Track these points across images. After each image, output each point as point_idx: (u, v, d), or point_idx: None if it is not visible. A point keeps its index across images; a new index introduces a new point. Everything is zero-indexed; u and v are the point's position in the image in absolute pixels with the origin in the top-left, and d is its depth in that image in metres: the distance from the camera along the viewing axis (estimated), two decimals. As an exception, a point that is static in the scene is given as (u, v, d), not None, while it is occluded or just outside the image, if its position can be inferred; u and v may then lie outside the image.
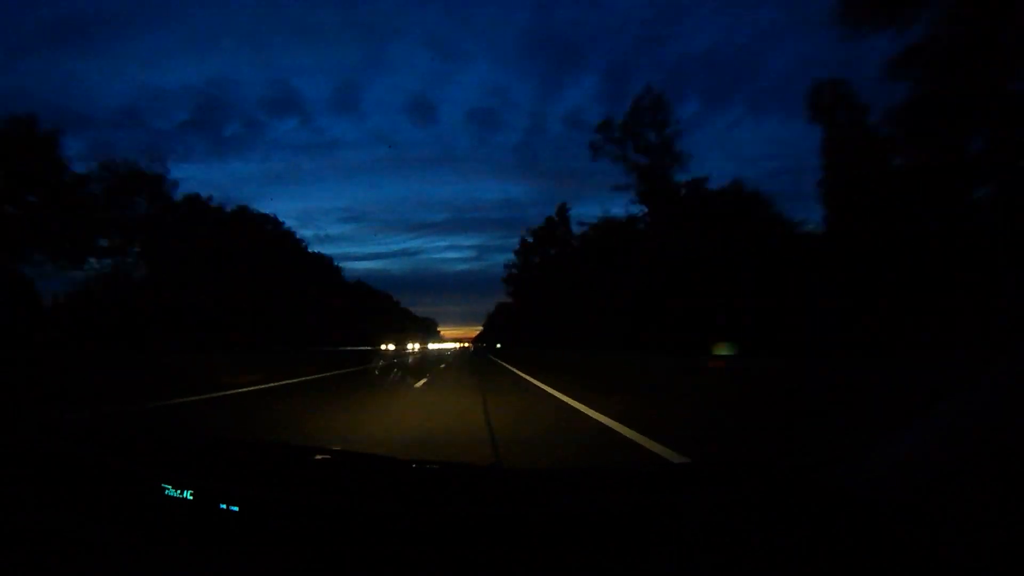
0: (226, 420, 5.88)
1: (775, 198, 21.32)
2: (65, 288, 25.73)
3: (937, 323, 11.37)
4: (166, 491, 1.06)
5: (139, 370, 12.92)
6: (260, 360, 17.62)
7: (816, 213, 18.19)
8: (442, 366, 19.34)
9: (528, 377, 12.26)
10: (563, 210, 41.00)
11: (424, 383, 10.76)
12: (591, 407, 6.44)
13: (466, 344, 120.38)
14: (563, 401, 7.45)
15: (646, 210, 24.91)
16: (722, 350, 15.74)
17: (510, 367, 17.66)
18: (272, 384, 10.22)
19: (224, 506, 1.02)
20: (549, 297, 36.03)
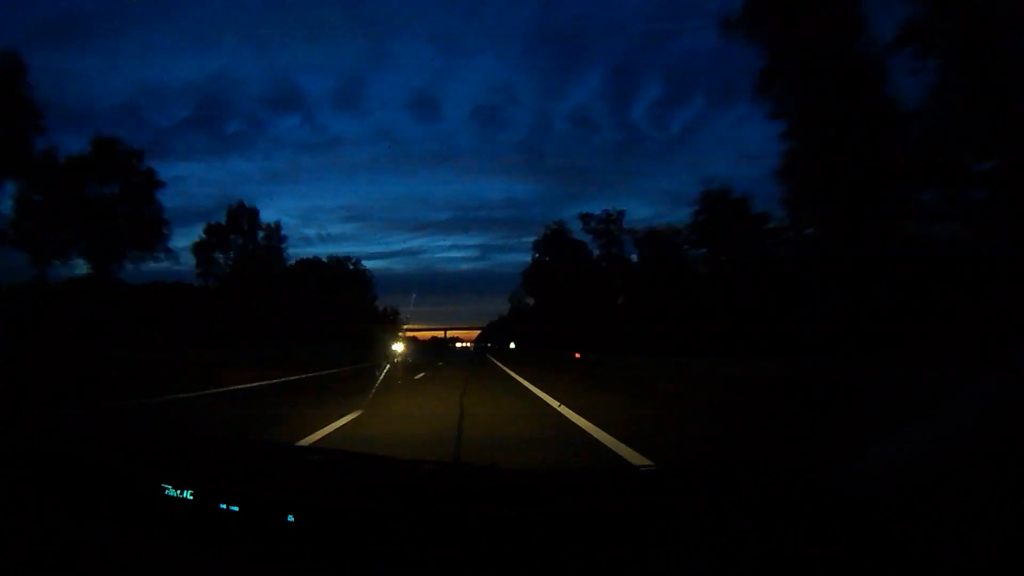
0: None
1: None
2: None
3: (935, 324, 11.36)
4: (166, 491, 1.07)
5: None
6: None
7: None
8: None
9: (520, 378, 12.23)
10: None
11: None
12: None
13: (467, 344, 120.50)
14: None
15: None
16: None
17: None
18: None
19: (224, 506, 1.02)
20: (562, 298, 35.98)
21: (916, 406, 0.96)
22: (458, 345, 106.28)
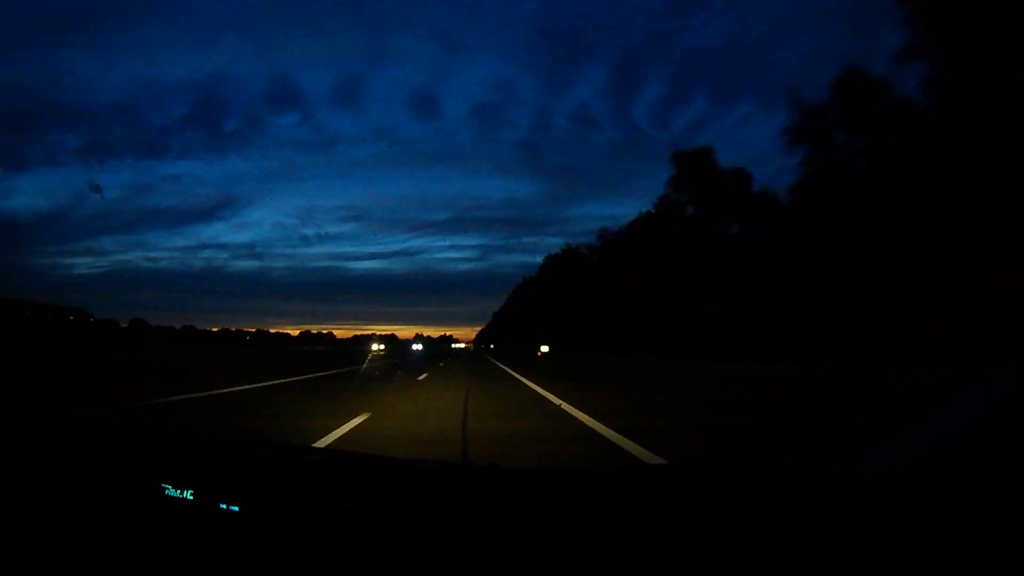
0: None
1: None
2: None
3: (936, 325, 11.37)
4: (166, 491, 1.07)
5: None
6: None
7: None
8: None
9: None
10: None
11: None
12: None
13: (467, 344, 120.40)
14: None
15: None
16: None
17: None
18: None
19: (224, 506, 1.02)
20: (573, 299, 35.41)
21: (916, 406, 0.96)
22: (454, 346, 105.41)
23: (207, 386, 9.88)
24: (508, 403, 7.91)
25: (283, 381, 11.94)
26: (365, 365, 19.29)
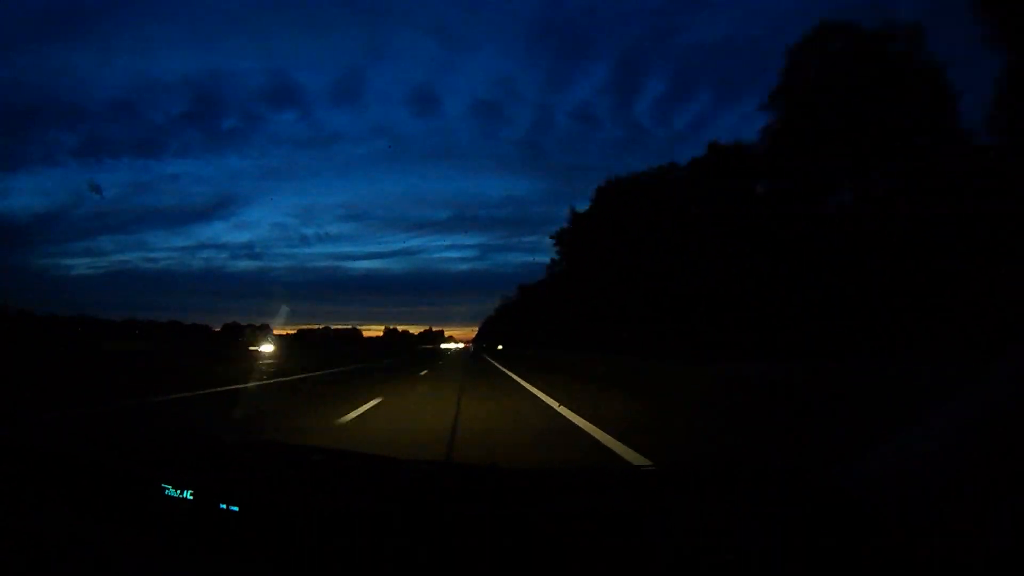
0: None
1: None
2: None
3: (936, 324, 11.38)
4: (166, 491, 1.06)
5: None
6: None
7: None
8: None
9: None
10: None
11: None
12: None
13: (466, 344, 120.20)
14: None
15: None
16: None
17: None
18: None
19: (224, 506, 1.02)
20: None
21: (916, 406, 0.96)
22: (444, 346, 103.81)
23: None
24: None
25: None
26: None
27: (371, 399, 7.62)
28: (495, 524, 0.96)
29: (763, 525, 0.94)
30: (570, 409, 6.53)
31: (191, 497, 1.05)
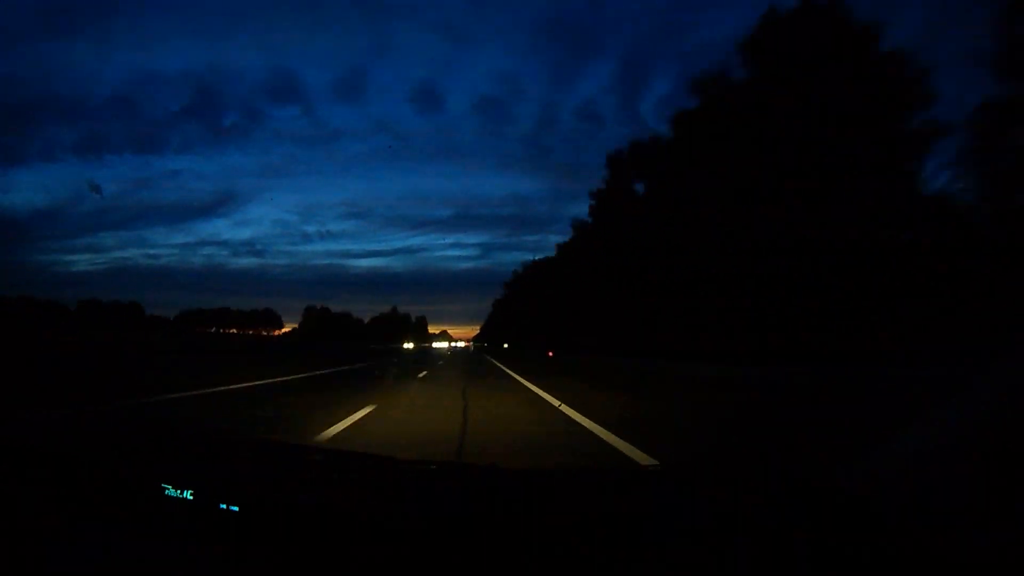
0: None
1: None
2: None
3: (935, 325, 11.38)
4: (166, 491, 1.07)
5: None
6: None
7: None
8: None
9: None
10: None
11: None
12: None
13: (466, 344, 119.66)
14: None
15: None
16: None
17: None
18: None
19: (224, 506, 1.02)
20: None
21: (916, 406, 0.96)
22: (436, 344, 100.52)
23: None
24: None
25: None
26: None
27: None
28: (495, 524, 0.96)
29: (765, 525, 0.94)
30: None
31: (191, 497, 1.05)
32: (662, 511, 1.01)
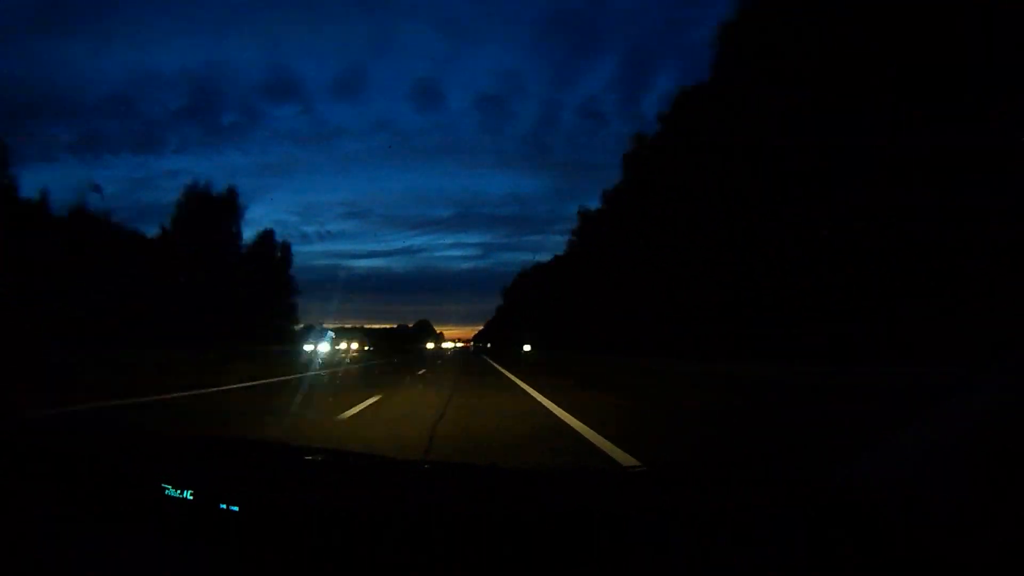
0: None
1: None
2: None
3: (935, 326, 11.38)
4: (166, 491, 1.07)
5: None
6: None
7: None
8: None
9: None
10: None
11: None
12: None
13: (466, 344, 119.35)
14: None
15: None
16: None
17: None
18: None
19: (224, 506, 1.02)
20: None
21: (916, 406, 0.96)
22: (430, 345, 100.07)
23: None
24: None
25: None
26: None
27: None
28: (492, 524, 0.96)
29: (758, 526, 0.94)
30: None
31: (191, 497, 1.05)
32: (651, 512, 1.01)
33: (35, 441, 1.42)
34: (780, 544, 0.90)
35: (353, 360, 25.65)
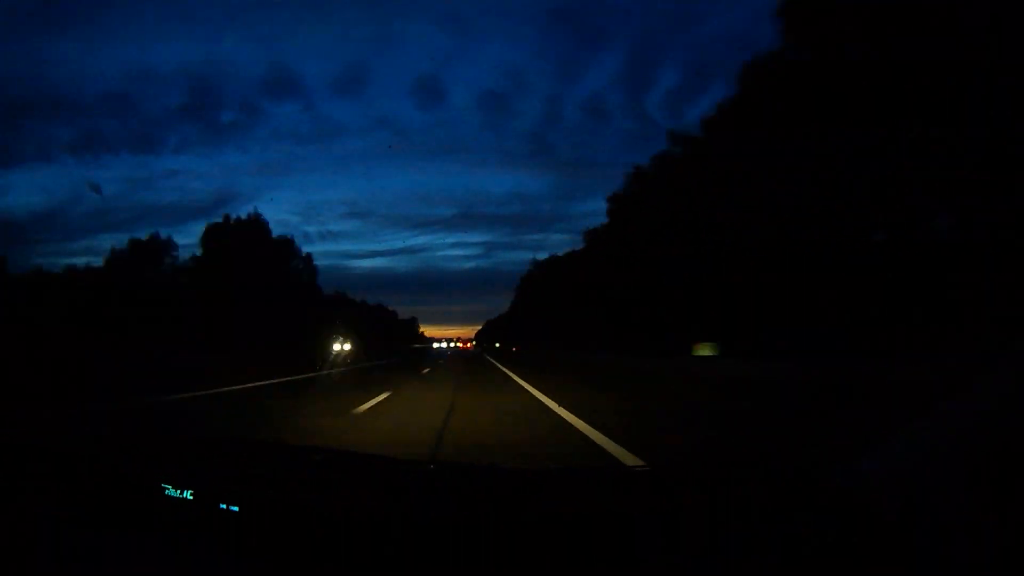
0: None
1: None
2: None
3: (935, 326, 11.37)
4: (166, 491, 1.07)
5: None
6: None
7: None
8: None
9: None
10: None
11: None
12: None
13: (467, 344, 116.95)
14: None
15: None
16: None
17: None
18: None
19: (224, 506, 1.02)
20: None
21: (916, 406, 0.96)
22: (436, 346, 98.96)
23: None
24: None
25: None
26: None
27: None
28: (493, 525, 0.96)
29: (764, 524, 0.94)
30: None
31: (191, 497, 1.05)
32: (653, 511, 1.00)
33: (35, 441, 1.42)
34: (781, 543, 0.90)
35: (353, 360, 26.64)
